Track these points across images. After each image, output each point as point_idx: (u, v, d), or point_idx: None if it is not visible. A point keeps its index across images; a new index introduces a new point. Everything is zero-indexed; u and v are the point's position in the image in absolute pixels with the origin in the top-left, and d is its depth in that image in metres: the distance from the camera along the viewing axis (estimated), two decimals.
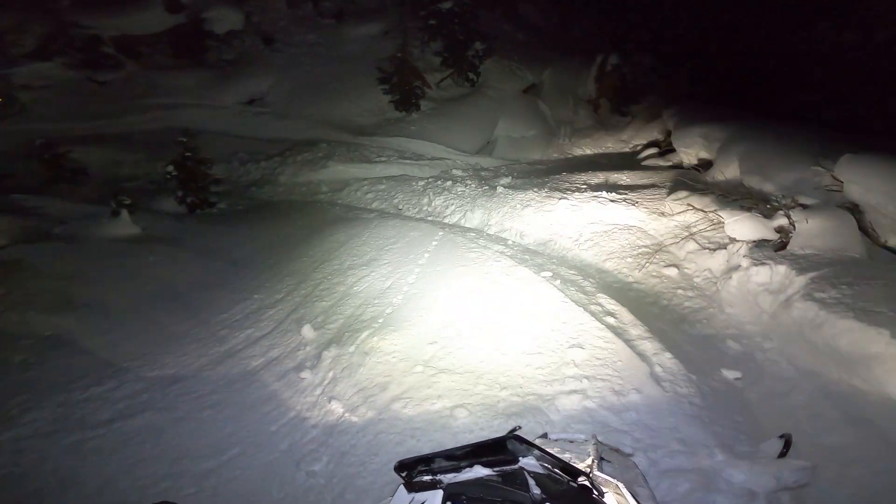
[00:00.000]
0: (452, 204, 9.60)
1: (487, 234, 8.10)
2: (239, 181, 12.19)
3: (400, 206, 10.10)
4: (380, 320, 5.54)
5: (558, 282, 6.09)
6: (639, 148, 17.10)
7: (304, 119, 15.04)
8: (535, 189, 9.35)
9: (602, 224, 7.82)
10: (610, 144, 18.17)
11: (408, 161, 12.62)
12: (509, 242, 7.71)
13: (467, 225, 8.84)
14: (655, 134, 18.41)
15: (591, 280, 6.40)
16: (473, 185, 10.34)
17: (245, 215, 9.11)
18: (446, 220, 9.19)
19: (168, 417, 4.71)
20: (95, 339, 5.78)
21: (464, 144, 14.66)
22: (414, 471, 1.89)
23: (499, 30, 18.86)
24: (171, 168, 8.73)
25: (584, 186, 9.30)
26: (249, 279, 7.05)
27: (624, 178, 9.87)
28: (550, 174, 11.03)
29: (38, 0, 12.55)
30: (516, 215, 8.47)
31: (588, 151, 17.25)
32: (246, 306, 6.38)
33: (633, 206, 7.94)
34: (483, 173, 12.11)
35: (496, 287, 5.90)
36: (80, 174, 10.24)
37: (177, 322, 6.16)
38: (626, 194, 8.42)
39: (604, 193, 8.45)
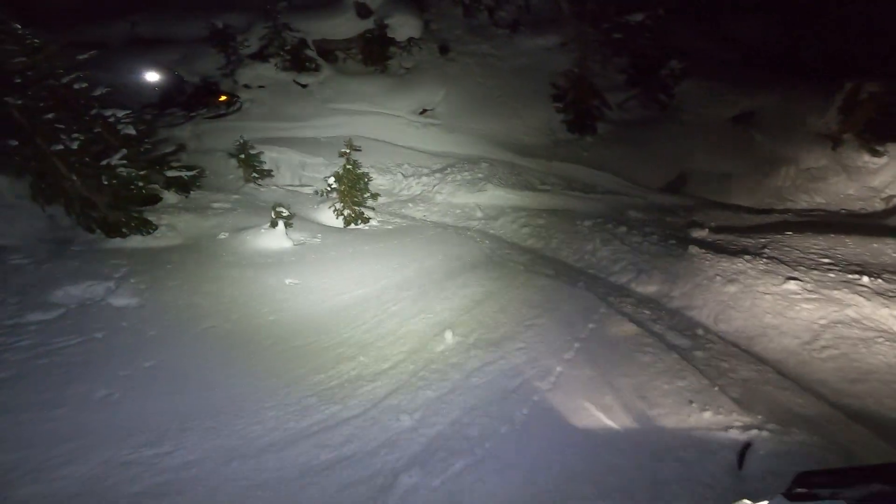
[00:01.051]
0: (623, 259, 7.80)
1: (667, 315, 6.18)
2: (399, 195, 12.06)
3: (558, 251, 8.65)
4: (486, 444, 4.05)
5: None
6: None
7: (469, 133, 14.52)
8: (745, 255, 7.07)
9: (855, 326, 5.36)
10: (853, 192, 14.00)
11: (576, 193, 11.08)
12: (699, 334, 5.70)
13: (640, 291, 7.00)
14: None
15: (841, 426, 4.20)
16: (655, 237, 8.37)
17: (394, 237, 8.71)
18: (612, 280, 7.47)
19: None
20: None
21: (646, 177, 12.51)
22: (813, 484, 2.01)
23: (701, 47, 15.98)
24: (331, 180, 8.74)
25: (826, 261, 6.69)
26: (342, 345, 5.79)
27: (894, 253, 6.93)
28: (768, 233, 8.43)
29: (259, 3, 14.11)
30: (713, 291, 6.38)
31: (820, 200, 13.47)
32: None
33: None
34: (669, 219, 9.95)
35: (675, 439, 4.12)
36: (267, 176, 11.04)
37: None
38: None
39: (863, 279, 5.87)
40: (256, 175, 10.61)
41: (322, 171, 13.03)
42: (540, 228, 9.65)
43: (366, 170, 12.49)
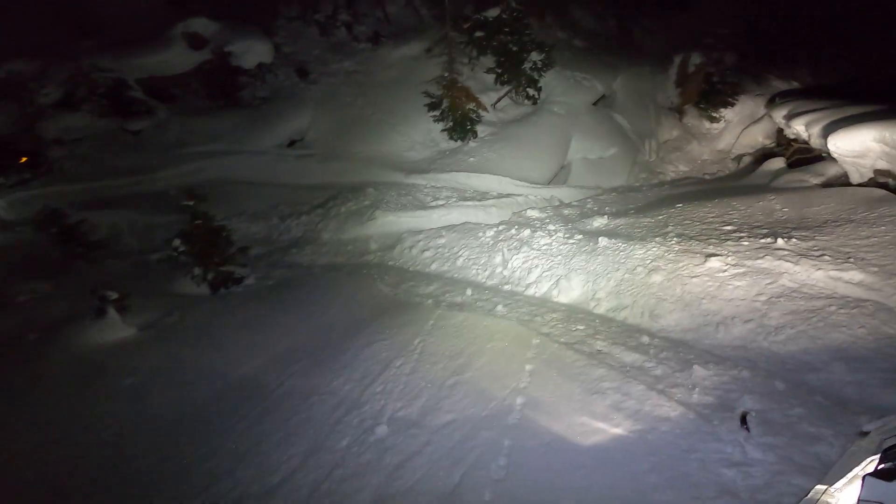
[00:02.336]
0: (537, 266, 7.14)
1: (601, 324, 5.50)
2: (279, 241, 10.43)
3: (466, 270, 7.79)
4: None
5: None
6: (746, 159, 14.06)
7: (349, 160, 13.29)
8: (653, 237, 6.76)
9: (799, 296, 5.02)
10: (707, 157, 15.17)
11: (470, 202, 10.38)
12: (644, 343, 4.98)
13: (564, 301, 6.32)
14: (761, 139, 15.30)
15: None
16: (560, 234, 7.85)
17: (276, 294, 7.18)
18: (532, 293, 6.73)
19: None
20: None
21: (533, 174, 12.26)
22: None
23: (553, 38, 16.51)
24: (177, 242, 6.98)
25: (731, 229, 6.57)
26: (222, 441, 4.38)
27: (783, 208, 7.03)
28: (661, 208, 8.37)
29: (55, 45, 11.60)
30: (638, 284, 5.88)
31: (684, 168, 14.34)
32: None
33: (846, 262, 5.18)
34: (567, 212, 9.62)
35: None
36: (100, 248, 8.81)
37: None
38: (813, 240, 5.67)
39: (778, 242, 5.73)
40: (81, 250, 8.35)
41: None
42: (441, 249, 8.73)
43: (233, 218, 10.70)
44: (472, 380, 4.38)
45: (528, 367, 4.44)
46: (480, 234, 8.78)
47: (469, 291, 6.93)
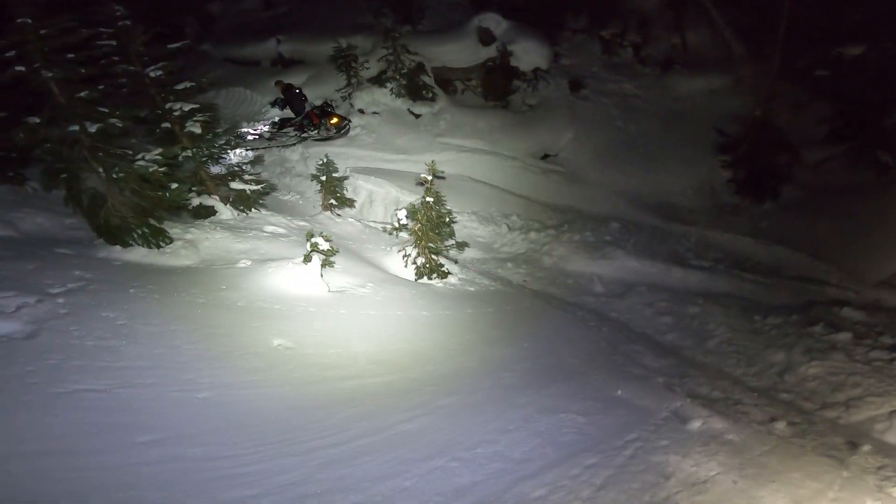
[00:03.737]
0: (858, 385, 4.47)
1: None
2: (499, 251, 9.73)
3: (722, 358, 5.51)
4: None
5: None
6: None
7: (599, 186, 11.87)
8: None
9: None
10: None
11: (748, 275, 7.72)
12: None
13: None
14: None
15: None
16: None
17: (471, 303, 6.24)
18: (851, 421, 4.12)
19: None
20: None
21: (856, 263, 8.57)
22: None
23: None
24: (402, 214, 6.71)
25: None
26: None
27: None
28: None
29: (385, 26, 13.40)
30: None
31: None
32: None
33: None
34: None
35: None
36: (348, 205, 9.53)
37: None
38: None
39: None
40: (335, 203, 9.06)
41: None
42: (690, 319, 6.52)
43: (463, 215, 10.41)
44: None
45: None
46: (756, 317, 6.28)
47: (722, 390, 4.70)
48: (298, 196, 11.39)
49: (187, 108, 6.72)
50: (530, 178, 12.62)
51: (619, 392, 4.42)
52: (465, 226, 10.11)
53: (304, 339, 4.49)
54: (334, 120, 13.45)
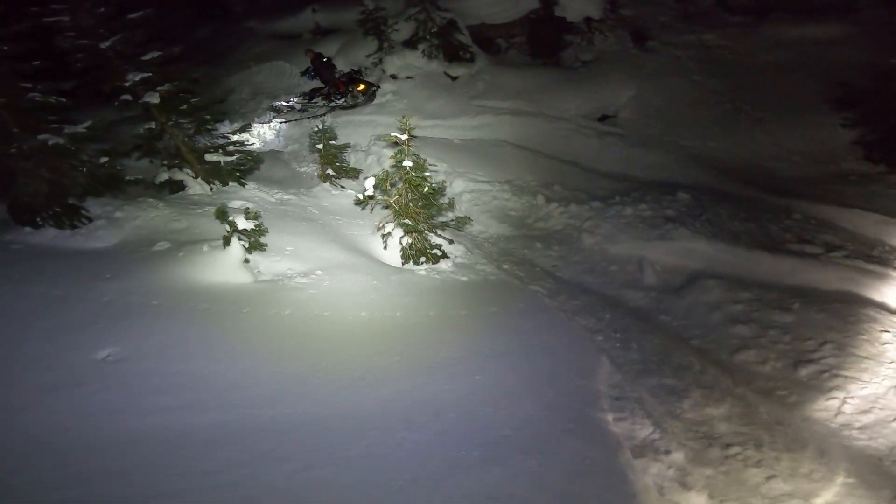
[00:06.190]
0: None
1: None
2: (532, 227, 8.01)
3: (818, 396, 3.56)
4: None
5: None
6: None
7: (669, 151, 9.68)
8: None
9: None
10: None
11: (872, 267, 5.40)
12: None
13: None
14: None
15: None
16: None
17: (463, 301, 4.62)
18: None
19: None
20: None
21: None
22: None
23: None
24: (370, 183, 5.25)
25: None
26: None
27: None
28: None
29: None
30: None
31: None
32: None
33: None
34: None
35: None
36: (352, 176, 8.29)
37: None
38: None
39: None
40: (333, 174, 7.81)
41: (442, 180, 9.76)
42: (780, 331, 4.51)
43: (496, 184, 8.86)
44: None
45: None
46: (875, 326, 4.16)
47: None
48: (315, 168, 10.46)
49: (138, 77, 5.73)
50: (581, 141, 10.63)
51: None
52: (496, 196, 8.62)
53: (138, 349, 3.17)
54: (361, 87, 12.46)
